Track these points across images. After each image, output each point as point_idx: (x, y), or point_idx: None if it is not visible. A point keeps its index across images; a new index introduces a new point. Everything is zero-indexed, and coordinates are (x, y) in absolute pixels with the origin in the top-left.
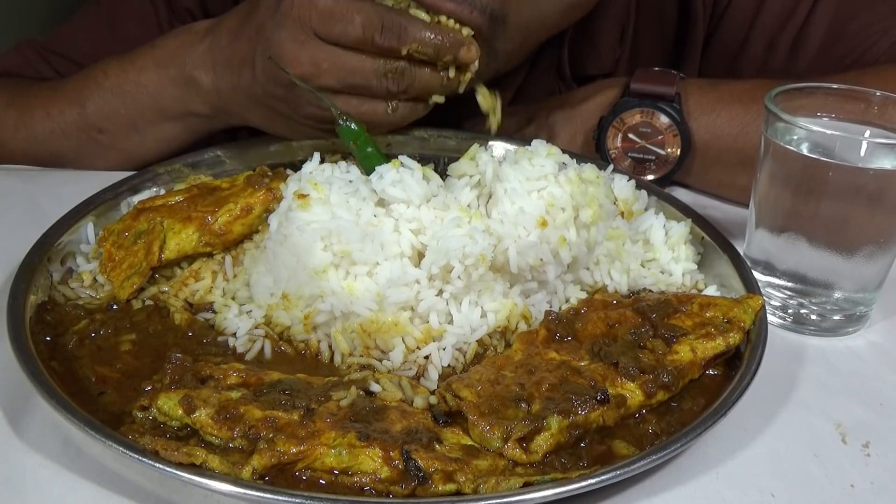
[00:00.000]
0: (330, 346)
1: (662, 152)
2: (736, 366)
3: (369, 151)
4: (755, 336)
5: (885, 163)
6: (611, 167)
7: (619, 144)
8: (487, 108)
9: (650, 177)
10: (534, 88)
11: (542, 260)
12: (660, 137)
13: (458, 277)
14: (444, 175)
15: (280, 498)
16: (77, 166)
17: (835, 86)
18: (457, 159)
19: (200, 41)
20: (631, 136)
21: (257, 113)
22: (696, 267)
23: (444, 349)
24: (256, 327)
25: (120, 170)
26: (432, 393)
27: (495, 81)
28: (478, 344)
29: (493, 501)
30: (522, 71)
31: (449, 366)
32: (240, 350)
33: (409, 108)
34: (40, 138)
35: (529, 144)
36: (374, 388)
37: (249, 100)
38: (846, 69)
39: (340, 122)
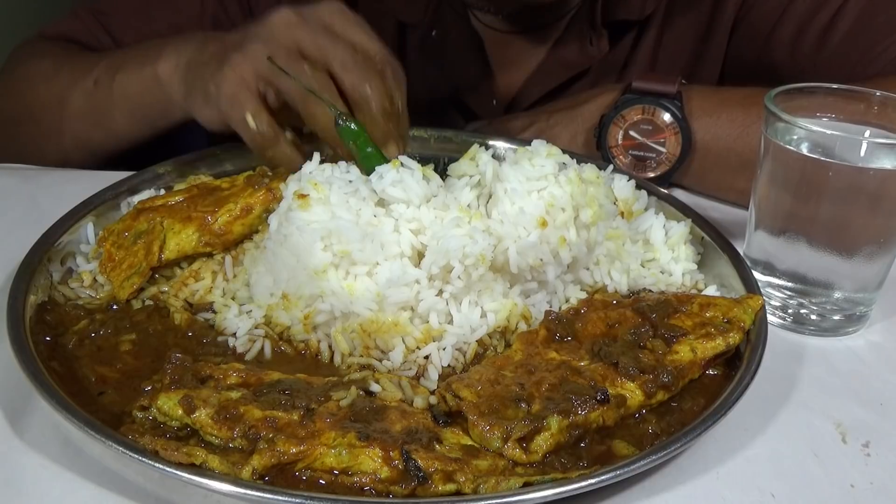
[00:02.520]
0: (330, 346)
1: (663, 150)
2: (736, 366)
3: (369, 151)
4: (755, 336)
5: (885, 163)
6: (611, 167)
7: (619, 141)
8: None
9: (650, 174)
10: (569, 38)
11: (542, 260)
12: (661, 135)
13: (458, 277)
14: (444, 175)
15: (280, 498)
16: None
17: (835, 86)
18: (457, 159)
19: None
20: (632, 132)
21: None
22: (696, 267)
23: (444, 349)
24: (256, 327)
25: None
26: (432, 393)
27: (538, 25)
28: (478, 344)
29: (493, 501)
30: (562, 23)
31: (449, 366)
32: (240, 350)
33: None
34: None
35: (530, 145)
36: (374, 388)
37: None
38: (869, 63)
39: (340, 122)
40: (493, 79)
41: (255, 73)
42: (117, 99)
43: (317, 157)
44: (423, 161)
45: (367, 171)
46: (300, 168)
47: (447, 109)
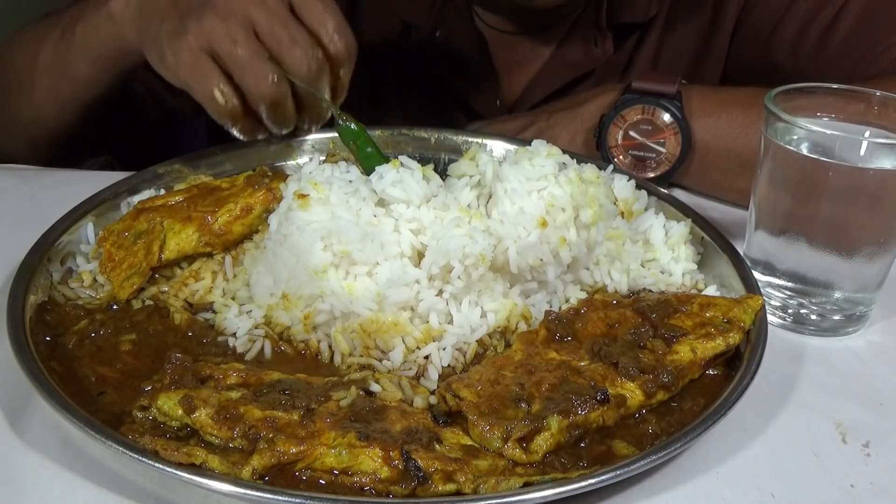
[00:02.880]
0: (330, 346)
1: (663, 150)
2: (736, 366)
3: (369, 151)
4: (755, 336)
5: (885, 163)
6: (611, 167)
7: (619, 141)
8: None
9: (650, 174)
10: (574, 40)
11: (542, 260)
12: (660, 135)
13: (458, 277)
14: (444, 175)
15: (280, 498)
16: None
17: (835, 86)
18: (457, 159)
19: None
20: (632, 132)
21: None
22: (696, 267)
23: (444, 349)
24: (256, 327)
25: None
26: (432, 393)
27: (543, 27)
28: (478, 344)
29: (493, 501)
30: (566, 25)
31: (449, 366)
32: (240, 350)
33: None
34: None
35: (530, 145)
36: (374, 388)
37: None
38: (870, 63)
39: (340, 122)
40: (497, 80)
41: (212, 47)
42: (78, 45)
43: (317, 157)
44: (423, 161)
45: (367, 171)
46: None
47: (451, 110)
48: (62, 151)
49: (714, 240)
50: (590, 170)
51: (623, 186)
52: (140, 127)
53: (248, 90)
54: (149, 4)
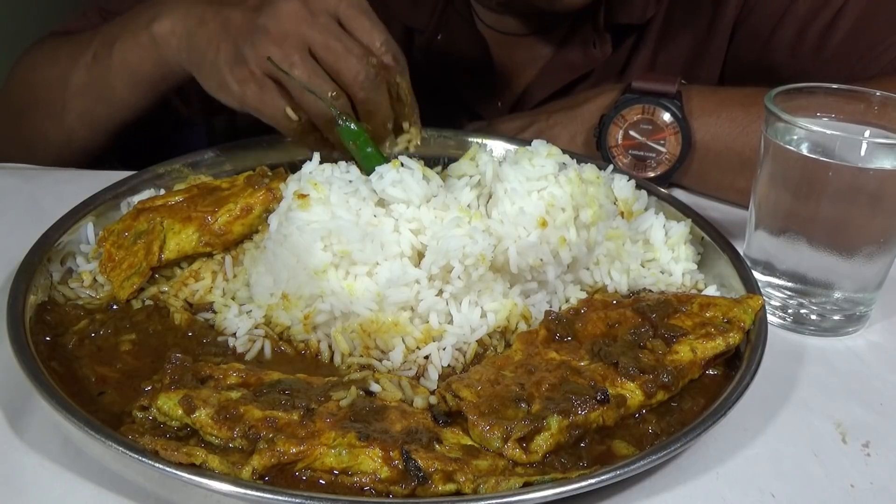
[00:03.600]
0: (330, 346)
1: (663, 150)
2: (736, 366)
3: (369, 152)
4: (755, 336)
5: (885, 163)
6: (611, 167)
7: (619, 141)
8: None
9: (650, 174)
10: (573, 41)
11: (542, 260)
12: (660, 134)
13: (458, 277)
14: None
15: (280, 498)
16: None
17: (835, 86)
18: (457, 159)
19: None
20: (632, 132)
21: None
22: (696, 267)
23: (444, 349)
24: (256, 327)
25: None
26: (432, 393)
27: (544, 28)
28: (478, 344)
29: (493, 501)
30: (566, 25)
31: (449, 366)
32: (240, 350)
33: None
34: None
35: (530, 145)
36: (374, 388)
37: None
38: (869, 63)
39: (340, 122)
40: (498, 81)
41: (269, 70)
42: (117, 69)
43: (317, 157)
44: (424, 161)
45: (368, 171)
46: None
47: (452, 111)
48: (84, 165)
49: (714, 240)
50: (590, 170)
51: (623, 186)
52: (142, 128)
53: (308, 109)
54: (199, 30)
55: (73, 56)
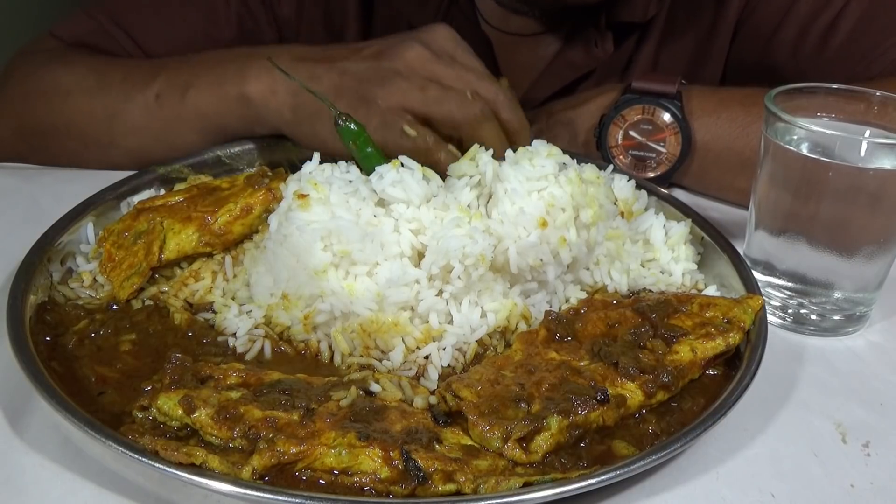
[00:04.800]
0: (330, 346)
1: (663, 150)
2: (736, 366)
3: (369, 151)
4: (755, 336)
5: (885, 163)
6: (611, 167)
7: (619, 141)
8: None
9: (650, 174)
10: (575, 40)
11: (542, 260)
12: (660, 135)
13: (458, 277)
14: (444, 175)
15: (280, 498)
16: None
17: (835, 86)
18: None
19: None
20: (632, 132)
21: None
22: (696, 267)
23: (444, 349)
24: (256, 327)
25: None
26: (432, 393)
27: (548, 28)
28: (478, 344)
29: (493, 501)
30: (568, 24)
31: (449, 366)
32: (240, 350)
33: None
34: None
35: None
36: (374, 388)
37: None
38: (870, 64)
39: (340, 122)
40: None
41: (405, 107)
42: (189, 116)
43: (317, 157)
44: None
45: (368, 171)
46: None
47: None
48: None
49: (714, 240)
50: (590, 170)
51: (623, 186)
52: None
53: (447, 115)
54: (312, 85)
55: (125, 91)
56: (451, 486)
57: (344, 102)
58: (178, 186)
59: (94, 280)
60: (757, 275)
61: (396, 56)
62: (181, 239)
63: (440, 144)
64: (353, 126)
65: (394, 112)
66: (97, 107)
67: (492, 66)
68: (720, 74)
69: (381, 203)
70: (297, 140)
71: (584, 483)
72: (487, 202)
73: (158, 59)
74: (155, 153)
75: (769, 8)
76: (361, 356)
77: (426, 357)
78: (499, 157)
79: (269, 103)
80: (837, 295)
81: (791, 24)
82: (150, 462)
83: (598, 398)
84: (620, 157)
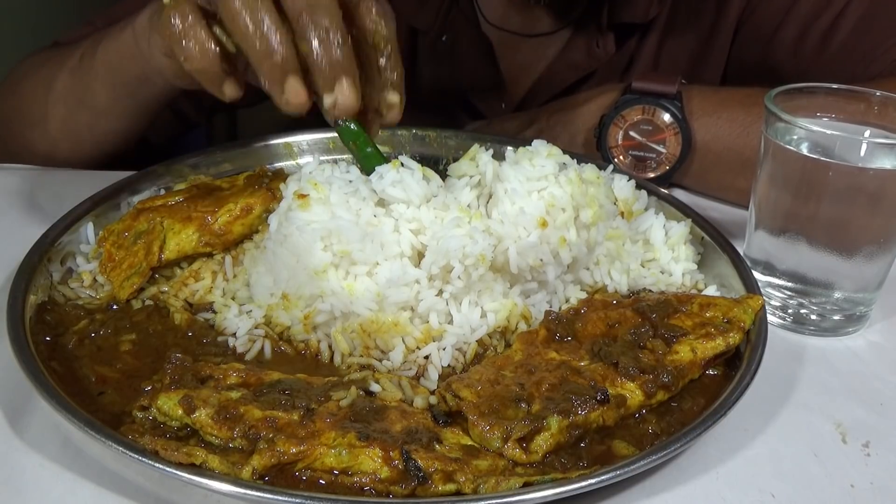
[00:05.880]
0: (330, 346)
1: (663, 150)
2: (736, 366)
3: (369, 152)
4: (755, 336)
5: (885, 163)
6: (611, 167)
7: (619, 142)
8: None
9: (650, 175)
10: (576, 41)
11: (542, 260)
12: (661, 135)
13: (458, 277)
14: (444, 175)
15: (280, 498)
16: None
17: (835, 86)
18: (457, 159)
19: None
20: (632, 133)
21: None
22: (696, 267)
23: (444, 349)
24: (256, 327)
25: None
26: (432, 393)
27: (549, 27)
28: (478, 344)
29: (493, 501)
30: (570, 24)
31: (449, 366)
32: (240, 350)
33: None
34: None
35: (530, 144)
36: (374, 388)
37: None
38: (871, 64)
39: (339, 122)
40: (502, 82)
41: (195, 6)
42: (98, 70)
43: (317, 157)
44: (424, 161)
45: (367, 171)
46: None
47: (456, 112)
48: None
49: (714, 240)
50: (590, 170)
51: (623, 186)
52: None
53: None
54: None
55: (60, 62)
56: (451, 486)
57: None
58: (178, 186)
59: (94, 280)
60: (757, 275)
61: None
62: (181, 239)
63: (202, 31)
64: (352, 126)
65: (192, 19)
66: (38, 81)
67: (493, 68)
68: (721, 74)
69: (381, 203)
70: (163, 70)
71: (584, 483)
72: (487, 202)
73: None
74: (80, 121)
75: (770, 8)
76: (361, 356)
77: (426, 357)
78: (262, 69)
79: (144, 34)
80: (837, 295)
81: (792, 23)
82: (150, 462)
83: (598, 398)
84: (620, 157)
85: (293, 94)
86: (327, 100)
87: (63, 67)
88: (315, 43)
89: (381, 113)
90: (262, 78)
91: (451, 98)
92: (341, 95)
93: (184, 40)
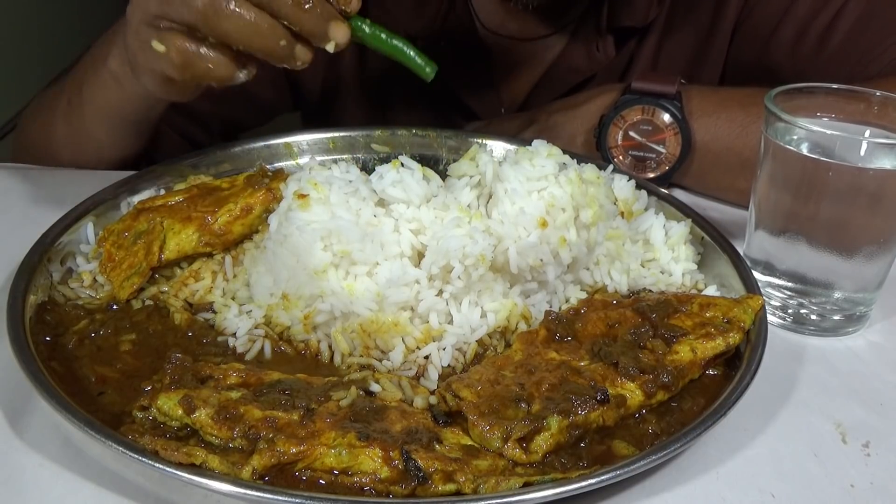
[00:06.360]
0: (330, 346)
1: (662, 150)
2: (736, 366)
3: (395, 43)
4: (755, 336)
5: (885, 163)
6: (611, 167)
7: (619, 142)
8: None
9: (650, 175)
10: (576, 44)
11: (542, 260)
12: (660, 135)
13: (458, 277)
14: (444, 175)
15: (280, 498)
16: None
17: (835, 86)
18: (457, 159)
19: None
20: (632, 133)
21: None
22: (696, 267)
23: (444, 349)
24: (256, 327)
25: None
26: (432, 393)
27: (547, 30)
28: (478, 344)
29: (493, 501)
30: (569, 28)
31: (449, 366)
32: (240, 350)
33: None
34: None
35: (530, 145)
36: (374, 388)
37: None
38: (869, 64)
39: (365, 28)
40: (501, 87)
41: (149, 15)
42: (90, 114)
43: (317, 157)
44: (424, 161)
45: (400, 56)
46: (236, 72)
47: (455, 118)
48: None
49: (714, 240)
50: (590, 170)
51: (623, 186)
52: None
53: (179, 16)
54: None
55: (52, 106)
56: (451, 486)
57: (133, 46)
58: (178, 186)
59: (94, 280)
60: (757, 275)
61: None
62: (181, 239)
63: (201, 52)
64: (366, 28)
65: (140, 28)
66: (42, 125)
67: (490, 73)
68: (719, 75)
69: (381, 203)
70: (151, 89)
71: (584, 483)
72: (487, 202)
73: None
74: (88, 160)
75: (767, 9)
76: (361, 356)
77: (426, 357)
78: (270, 55)
79: (126, 72)
80: (837, 295)
81: (789, 24)
82: (150, 462)
83: (598, 398)
84: (620, 157)
85: (303, 57)
86: (329, 48)
87: (55, 114)
88: (284, 11)
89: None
90: (276, 61)
91: (451, 105)
92: (335, 37)
93: (200, 61)
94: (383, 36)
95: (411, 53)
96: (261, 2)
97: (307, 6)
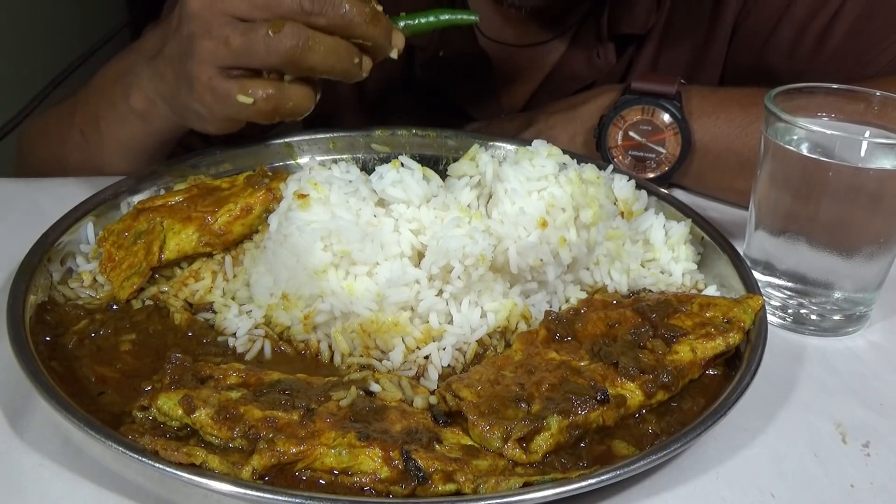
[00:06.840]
0: (330, 346)
1: (662, 150)
2: (736, 366)
3: (444, 18)
4: (755, 336)
5: (885, 163)
6: (611, 167)
7: (619, 142)
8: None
9: (650, 175)
10: (577, 51)
11: (542, 260)
12: (660, 135)
13: (458, 277)
14: (444, 175)
15: (280, 498)
16: None
17: (835, 86)
18: (457, 159)
19: (145, 67)
20: (631, 133)
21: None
22: (696, 267)
23: (444, 349)
24: (256, 327)
25: None
26: (432, 393)
27: (546, 38)
28: (478, 344)
29: (493, 501)
30: (569, 34)
31: (449, 366)
32: (240, 350)
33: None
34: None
35: (530, 145)
36: (374, 388)
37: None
38: (867, 64)
39: (402, 23)
40: (501, 94)
41: (219, 67)
42: (109, 147)
43: (317, 157)
44: (424, 161)
45: (453, 20)
46: (315, 100)
47: (455, 124)
48: None
49: (714, 240)
50: (590, 170)
51: (623, 186)
52: None
53: (262, 61)
54: (165, 88)
55: (60, 133)
56: (451, 486)
57: (181, 91)
58: (178, 186)
59: (94, 280)
60: (757, 275)
61: (185, 16)
62: (181, 239)
63: (285, 93)
64: (402, 24)
65: (215, 81)
66: (47, 154)
67: (490, 81)
68: (718, 79)
69: (381, 203)
70: (197, 128)
71: (584, 483)
72: (487, 202)
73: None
74: (101, 172)
75: (765, 10)
76: (361, 356)
77: (426, 357)
78: (346, 75)
79: (157, 112)
80: (837, 295)
81: (787, 26)
82: (150, 462)
83: (598, 398)
84: (620, 157)
85: (367, 68)
86: (393, 55)
87: (67, 143)
88: (360, 31)
89: None
90: (348, 79)
91: (451, 112)
92: (396, 45)
93: (219, 105)
94: (420, 21)
95: (448, 17)
96: (335, 28)
97: (378, 22)
